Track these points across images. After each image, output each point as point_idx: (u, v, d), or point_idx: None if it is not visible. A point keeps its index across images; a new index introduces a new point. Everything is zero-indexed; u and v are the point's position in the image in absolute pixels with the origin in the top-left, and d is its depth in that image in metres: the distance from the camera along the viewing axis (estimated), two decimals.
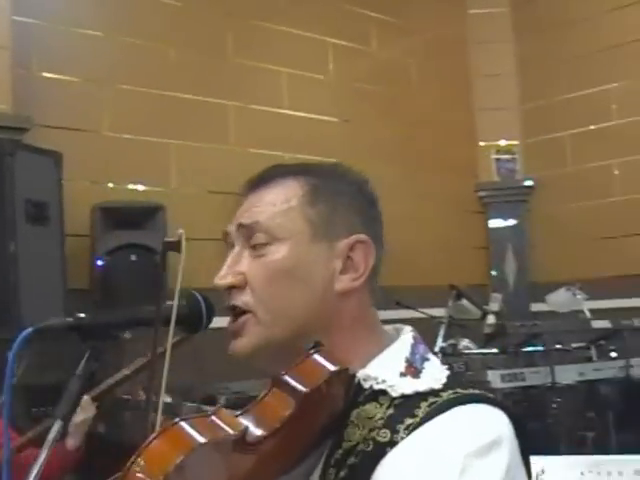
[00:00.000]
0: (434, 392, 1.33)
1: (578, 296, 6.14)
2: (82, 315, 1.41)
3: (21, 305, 4.43)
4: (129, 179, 5.98)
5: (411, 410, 1.30)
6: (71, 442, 3.91)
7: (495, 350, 5.60)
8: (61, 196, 4.99)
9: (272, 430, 1.21)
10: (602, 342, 5.70)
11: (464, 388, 1.35)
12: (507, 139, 8.35)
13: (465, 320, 6.34)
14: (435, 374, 1.39)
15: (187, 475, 1.08)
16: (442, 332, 5.81)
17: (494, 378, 4.95)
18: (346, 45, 7.38)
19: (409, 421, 1.29)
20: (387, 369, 1.39)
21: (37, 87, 5.58)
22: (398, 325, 1.54)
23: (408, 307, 5.71)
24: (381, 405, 1.34)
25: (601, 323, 5.58)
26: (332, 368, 1.29)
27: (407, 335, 1.48)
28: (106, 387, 4.05)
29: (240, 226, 1.48)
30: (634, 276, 7.04)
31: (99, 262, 5.18)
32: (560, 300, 6.29)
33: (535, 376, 5.16)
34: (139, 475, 1.07)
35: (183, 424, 1.12)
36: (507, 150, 8.32)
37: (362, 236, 1.45)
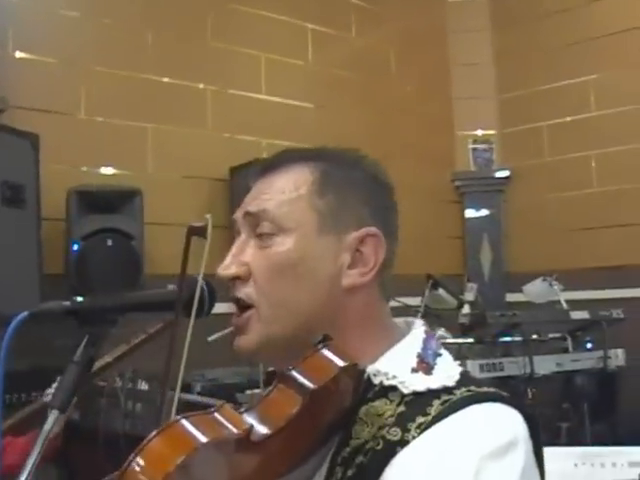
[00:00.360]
0: (447, 390, 1.29)
1: (554, 287, 6.13)
2: (80, 299, 1.35)
3: None
4: (105, 163, 5.89)
5: (423, 408, 1.25)
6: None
7: (472, 340, 5.57)
8: (38, 179, 4.89)
9: (278, 429, 1.16)
10: (579, 333, 5.70)
11: (478, 386, 1.31)
12: (484, 129, 8.33)
13: (441, 310, 6.32)
14: (448, 370, 1.34)
15: (188, 475, 1.03)
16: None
17: (472, 368, 4.93)
18: (325, 31, 7.33)
19: (421, 419, 1.23)
20: (398, 364, 1.34)
21: (12, 67, 5.48)
22: (409, 319, 1.50)
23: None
24: (391, 402, 1.29)
25: (580, 314, 5.57)
26: (341, 364, 1.24)
27: (419, 329, 1.43)
28: (104, 364, 3.99)
29: (247, 214, 1.42)
30: (610, 267, 7.05)
31: (75, 247, 5.09)
32: (537, 290, 6.28)
33: (513, 366, 5.14)
34: (138, 476, 1.02)
35: (184, 422, 1.07)
36: (484, 140, 8.30)
37: (372, 229, 1.40)
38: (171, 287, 1.44)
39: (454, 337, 5.78)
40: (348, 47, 7.53)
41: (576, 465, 2.36)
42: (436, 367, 1.34)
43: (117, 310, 1.40)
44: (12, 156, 4.71)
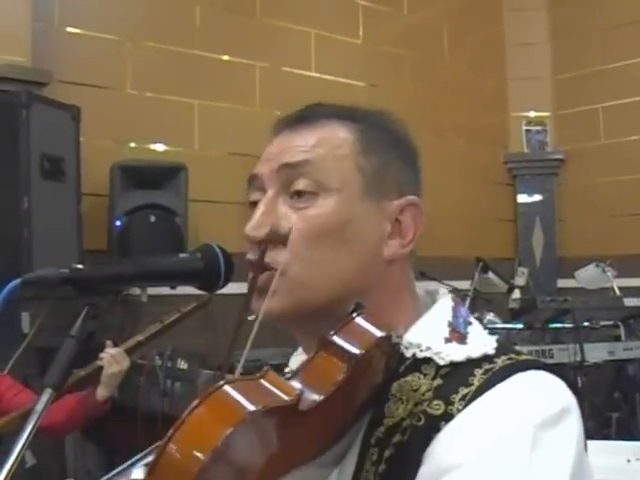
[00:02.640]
0: (488, 358, 1.18)
1: (608, 273, 6.01)
2: (79, 266, 1.24)
3: (33, 264, 4.28)
4: (150, 138, 5.84)
5: (465, 379, 1.15)
6: (102, 392, 3.86)
7: (521, 325, 5.48)
8: (78, 152, 4.84)
9: (326, 396, 1.05)
10: (632, 321, 5.58)
11: (517, 354, 1.21)
12: (538, 110, 8.17)
13: (490, 294, 6.24)
14: (483, 338, 1.24)
15: (236, 449, 0.92)
16: (467, 305, 5.69)
17: None
18: (377, 8, 7.20)
19: (464, 391, 1.13)
20: (430, 335, 1.24)
21: (58, 41, 5.44)
22: (430, 289, 1.38)
23: (433, 279, 5.56)
24: (425, 375, 1.19)
25: (633, 301, 5.43)
26: (378, 333, 1.14)
27: (446, 298, 1.32)
28: (135, 342, 3.96)
29: (284, 166, 1.27)
30: None
31: (117, 222, 5.06)
32: (589, 276, 6.17)
33: (563, 353, 5.04)
34: (180, 451, 0.90)
35: (228, 389, 0.95)
36: (538, 121, 8.16)
37: (414, 198, 1.30)
38: (181, 255, 1.32)
39: (503, 322, 5.70)
40: (400, 24, 7.40)
41: (629, 461, 2.24)
42: (469, 335, 1.24)
43: (120, 279, 1.28)
44: (52, 129, 4.65)
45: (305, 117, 1.32)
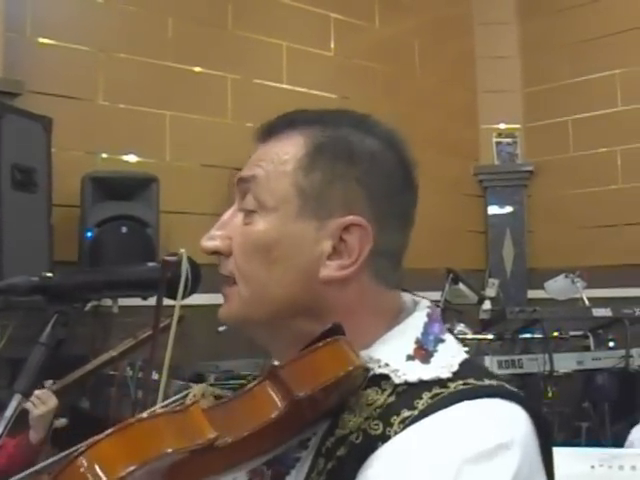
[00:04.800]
0: (441, 382, 1.15)
1: (577, 284, 6.06)
2: (49, 275, 1.25)
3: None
4: (122, 150, 5.83)
5: (411, 401, 1.13)
6: (34, 436, 3.80)
7: (491, 336, 5.50)
8: (50, 163, 4.83)
9: (246, 434, 1.05)
10: (600, 331, 5.62)
11: (478, 378, 1.17)
12: (508, 122, 8.23)
13: (461, 305, 6.27)
14: (447, 360, 1.20)
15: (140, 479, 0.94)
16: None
17: (491, 364, 4.86)
18: (349, 21, 7.24)
19: (406, 414, 1.11)
20: (393, 351, 1.22)
21: (31, 52, 5.43)
22: (417, 298, 1.35)
23: (404, 290, 5.58)
24: (383, 391, 1.17)
25: (602, 311, 5.47)
26: (342, 368, 1.11)
27: (421, 312, 1.29)
28: (92, 368, 3.94)
29: (240, 180, 1.30)
30: (634, 265, 6.96)
31: (88, 233, 5.04)
32: (559, 287, 6.21)
33: (533, 363, 5.07)
34: (82, 473, 0.92)
35: (146, 424, 0.97)
36: (508, 134, 8.21)
37: (358, 219, 1.23)
38: (150, 265, 1.34)
39: (474, 333, 5.72)
40: (372, 37, 7.44)
41: (593, 467, 2.26)
42: (436, 355, 1.21)
43: (88, 287, 1.29)
44: (24, 139, 4.65)
45: (273, 128, 1.32)
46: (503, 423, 1.12)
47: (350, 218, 1.23)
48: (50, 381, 3.85)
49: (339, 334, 1.15)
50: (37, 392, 3.79)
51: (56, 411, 3.82)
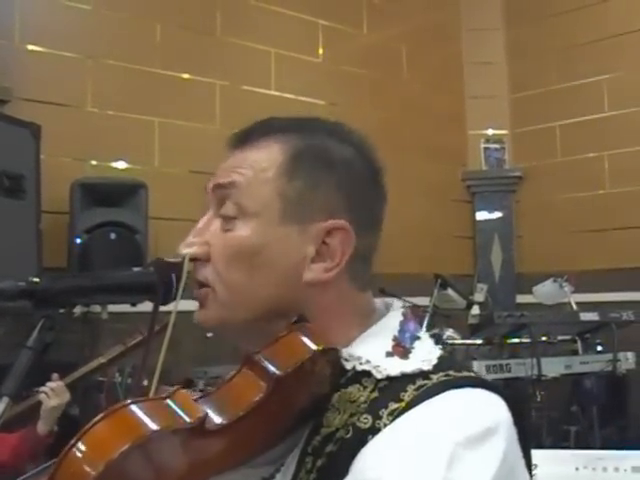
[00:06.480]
0: (423, 374, 1.19)
1: (565, 288, 6.08)
2: (36, 279, 1.26)
3: None
4: (111, 156, 5.84)
5: (397, 394, 1.16)
6: (42, 427, 3.83)
7: (480, 341, 5.52)
8: (39, 169, 4.83)
9: (236, 417, 1.08)
10: (588, 335, 5.64)
11: (457, 370, 1.21)
12: (496, 128, 8.25)
13: (449, 310, 6.28)
14: (426, 354, 1.24)
15: (132, 463, 0.96)
16: (426, 321, 5.74)
17: (479, 369, 4.87)
18: (337, 27, 7.26)
19: (394, 406, 1.15)
20: (373, 348, 1.25)
21: (19, 59, 5.44)
22: (388, 300, 1.39)
23: (392, 295, 5.58)
24: (365, 388, 1.21)
25: (589, 315, 5.49)
26: (313, 347, 1.16)
27: (396, 312, 1.34)
28: (80, 374, 3.96)
29: (217, 186, 1.32)
30: (622, 269, 6.97)
31: (77, 240, 5.04)
32: (547, 292, 6.23)
33: (521, 368, 5.09)
34: (78, 460, 0.95)
35: (133, 407, 1.00)
36: (496, 139, 8.23)
37: (340, 222, 1.27)
38: (137, 269, 1.35)
39: (462, 338, 5.74)
40: (359, 43, 7.47)
41: (577, 469, 2.28)
42: (413, 351, 1.25)
43: (76, 292, 1.31)
44: (12, 146, 4.65)
45: (249, 135, 1.34)
46: (488, 409, 1.16)
47: (333, 222, 1.27)
48: (56, 375, 3.88)
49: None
50: (51, 384, 3.83)
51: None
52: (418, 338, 1.29)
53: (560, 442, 5.48)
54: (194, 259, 1.31)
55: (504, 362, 5.10)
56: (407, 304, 1.39)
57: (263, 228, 1.27)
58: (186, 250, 1.31)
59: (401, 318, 1.32)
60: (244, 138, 1.34)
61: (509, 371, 5.06)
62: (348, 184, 1.31)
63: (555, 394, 5.49)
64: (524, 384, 5.15)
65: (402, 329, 1.29)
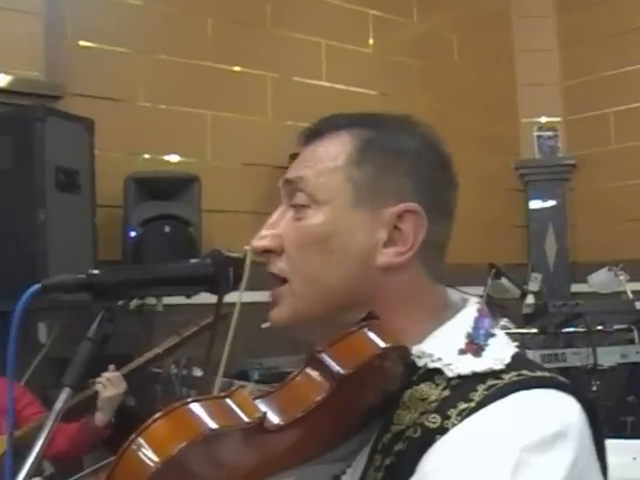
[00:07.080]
0: (494, 374, 1.18)
1: (620, 277, 6.01)
2: (95, 272, 1.28)
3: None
4: (163, 150, 5.88)
5: (466, 393, 1.15)
6: (100, 417, 3.88)
7: (534, 330, 5.48)
8: (93, 164, 4.87)
9: (295, 418, 1.07)
10: None
11: (531, 370, 1.19)
12: (549, 116, 8.17)
13: (504, 299, 6.25)
14: (499, 353, 1.23)
15: (190, 461, 0.97)
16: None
17: (534, 358, 4.83)
18: (387, 17, 7.23)
19: (463, 406, 1.13)
20: (445, 345, 1.24)
21: (72, 55, 5.49)
22: (466, 296, 1.38)
23: (447, 285, 5.59)
24: (437, 386, 1.19)
25: None
26: (381, 345, 1.14)
27: (471, 307, 1.32)
28: (137, 365, 4.00)
29: (286, 181, 1.34)
30: None
31: (132, 233, 5.09)
32: (602, 281, 6.17)
33: (576, 357, 5.04)
34: (137, 456, 0.97)
35: (193, 406, 1.01)
36: (549, 127, 8.15)
37: (412, 205, 1.28)
38: (194, 261, 1.36)
39: (517, 327, 5.70)
40: (410, 33, 7.43)
41: (635, 459, 2.26)
42: (487, 349, 1.24)
43: (134, 284, 1.32)
44: (67, 142, 4.68)
45: (316, 131, 1.36)
46: (559, 412, 1.13)
47: (404, 205, 1.28)
48: (112, 366, 3.92)
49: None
50: (108, 374, 3.87)
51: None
52: (493, 335, 1.27)
53: (616, 432, 5.43)
54: (267, 251, 1.31)
55: (559, 352, 5.06)
56: (481, 299, 1.38)
57: (335, 214, 1.28)
58: (258, 243, 1.32)
59: (476, 314, 1.30)
60: (313, 134, 1.36)
61: (564, 360, 5.01)
62: (418, 170, 1.32)
63: (611, 384, 5.43)
64: (580, 374, 5.10)
65: (476, 326, 1.28)
